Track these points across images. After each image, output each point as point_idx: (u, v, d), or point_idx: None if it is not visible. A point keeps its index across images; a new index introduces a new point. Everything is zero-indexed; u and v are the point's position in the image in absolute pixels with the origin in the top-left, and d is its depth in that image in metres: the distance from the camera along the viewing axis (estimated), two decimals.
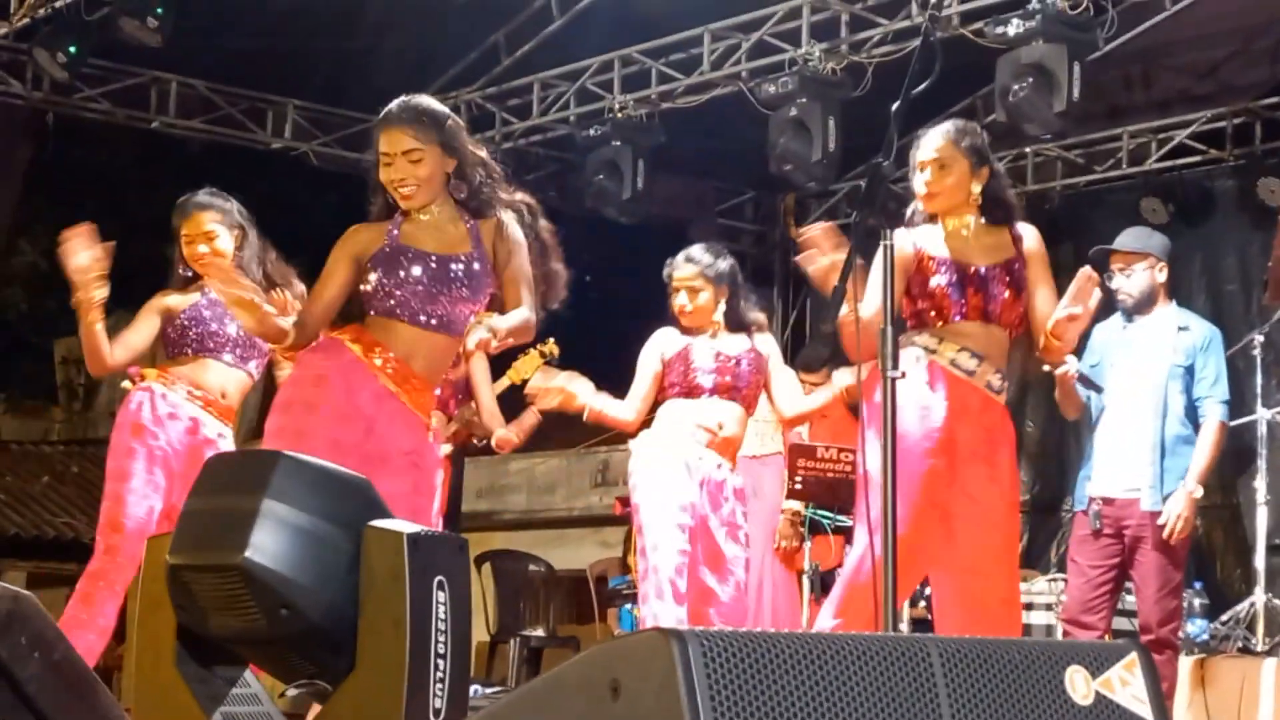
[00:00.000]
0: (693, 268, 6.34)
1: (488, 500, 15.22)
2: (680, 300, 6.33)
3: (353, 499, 3.62)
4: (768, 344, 6.42)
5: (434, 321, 4.79)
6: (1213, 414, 6.54)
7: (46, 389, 20.93)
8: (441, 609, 3.49)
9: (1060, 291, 5.10)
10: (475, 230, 4.89)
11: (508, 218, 4.92)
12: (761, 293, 8.10)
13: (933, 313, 5.14)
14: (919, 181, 5.21)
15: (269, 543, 3.47)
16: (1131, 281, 6.62)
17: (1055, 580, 8.50)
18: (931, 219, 5.25)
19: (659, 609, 6.00)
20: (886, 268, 4.37)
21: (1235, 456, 8.98)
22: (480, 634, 10.68)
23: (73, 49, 10.08)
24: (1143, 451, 6.50)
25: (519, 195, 5.03)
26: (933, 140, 5.20)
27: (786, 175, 10.30)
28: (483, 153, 4.98)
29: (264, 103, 11.80)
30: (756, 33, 10.42)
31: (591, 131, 11.08)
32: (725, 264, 6.37)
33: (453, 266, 4.81)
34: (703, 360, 6.28)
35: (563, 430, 15.23)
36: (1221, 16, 10.36)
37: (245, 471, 3.65)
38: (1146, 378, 6.53)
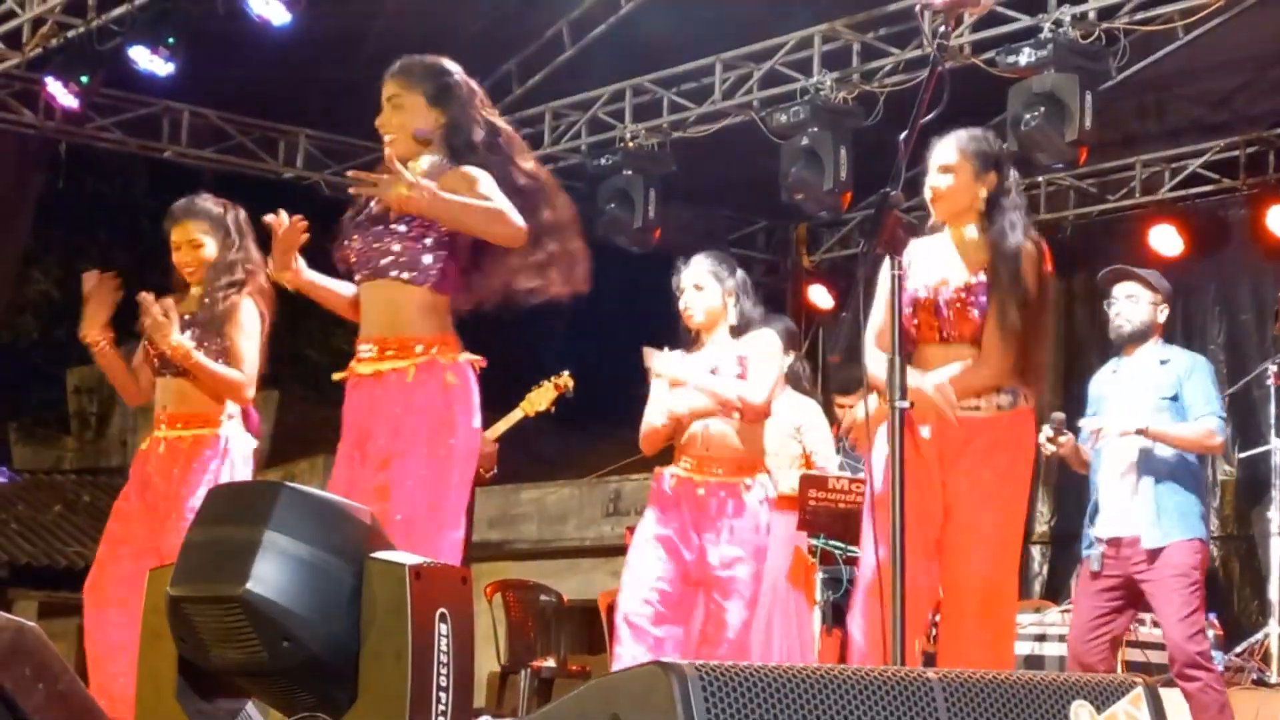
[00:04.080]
0: (698, 267, 6.22)
1: (499, 530, 15.19)
2: (685, 300, 6.20)
3: (355, 530, 3.59)
4: (754, 343, 6.16)
5: (366, 271, 4.72)
6: (1204, 421, 6.46)
7: (59, 418, 20.93)
8: (444, 641, 3.46)
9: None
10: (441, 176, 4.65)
11: (470, 169, 4.63)
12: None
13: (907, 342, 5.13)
14: (927, 185, 5.20)
15: (270, 574, 3.44)
16: (1136, 309, 6.56)
17: (1068, 611, 8.44)
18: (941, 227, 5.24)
19: (618, 650, 5.99)
20: (894, 297, 4.35)
21: (1249, 488, 8.95)
22: (491, 664, 10.64)
23: (84, 78, 10.11)
24: (1140, 489, 6.44)
25: (528, 166, 4.78)
26: (943, 145, 5.18)
27: (798, 204, 10.30)
28: (492, 116, 4.76)
29: (275, 132, 11.83)
30: (768, 62, 10.44)
31: (603, 160, 11.10)
32: (729, 266, 6.26)
33: (377, 213, 4.69)
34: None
35: (574, 460, 15.21)
36: (1235, 46, 10.35)
37: (246, 502, 3.62)
38: (1135, 415, 6.48)
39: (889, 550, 4.19)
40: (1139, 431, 6.39)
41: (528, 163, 4.80)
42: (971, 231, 5.15)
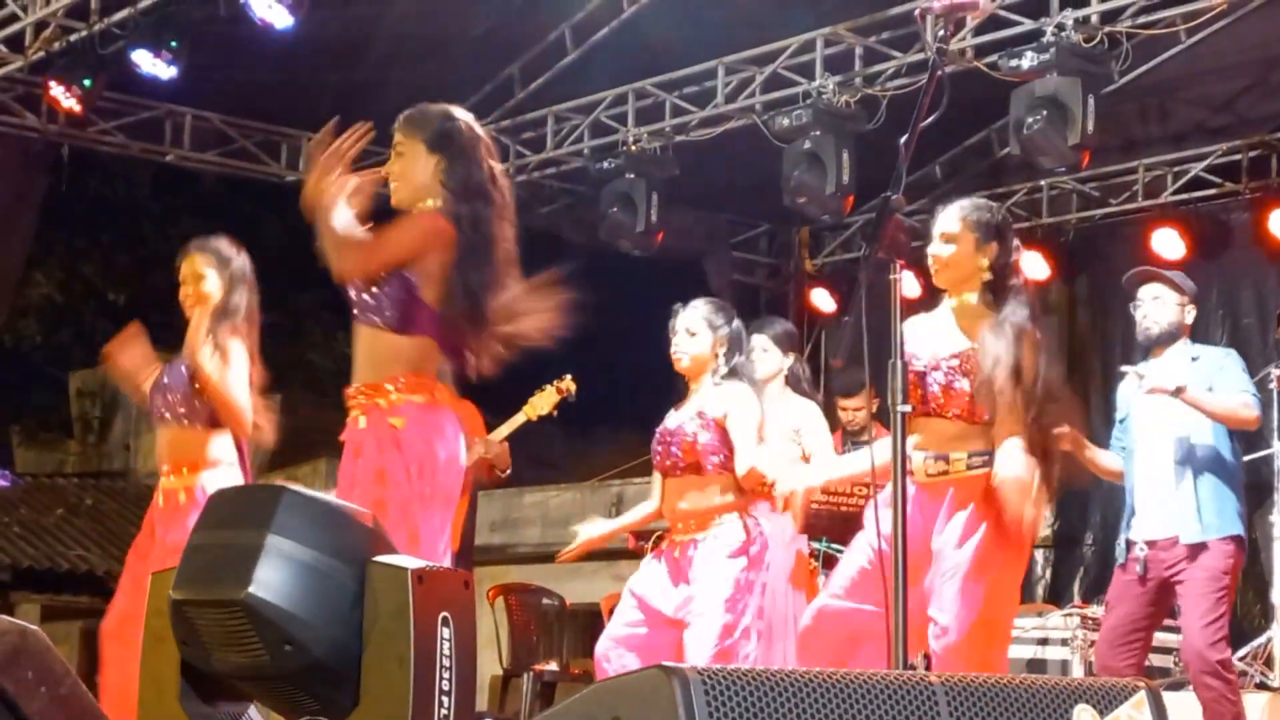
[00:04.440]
0: (693, 313, 6.20)
1: (502, 534, 15.18)
2: (675, 344, 6.18)
3: (357, 534, 3.60)
4: (729, 400, 6.10)
5: (354, 314, 4.65)
6: (1239, 395, 6.44)
7: (61, 421, 20.93)
8: (446, 645, 3.46)
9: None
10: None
11: (422, 215, 4.60)
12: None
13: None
14: (929, 253, 5.21)
15: (273, 578, 3.45)
16: (1162, 310, 6.52)
17: (1071, 615, 8.44)
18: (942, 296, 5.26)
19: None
20: (895, 302, 4.35)
21: (1252, 491, 8.89)
22: (493, 668, 10.63)
23: (87, 82, 10.11)
24: (1177, 487, 6.42)
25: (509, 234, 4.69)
26: (945, 214, 5.19)
27: (800, 208, 10.29)
28: (495, 166, 4.68)
29: (278, 135, 11.83)
30: (770, 66, 10.43)
31: (605, 164, 11.10)
32: (726, 315, 6.23)
33: None
34: (656, 442, 6.24)
35: (577, 463, 15.20)
36: (1237, 50, 10.35)
37: (249, 506, 3.63)
38: (1168, 414, 6.45)
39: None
40: (1175, 391, 6.33)
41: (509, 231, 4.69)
42: (972, 300, 5.16)
